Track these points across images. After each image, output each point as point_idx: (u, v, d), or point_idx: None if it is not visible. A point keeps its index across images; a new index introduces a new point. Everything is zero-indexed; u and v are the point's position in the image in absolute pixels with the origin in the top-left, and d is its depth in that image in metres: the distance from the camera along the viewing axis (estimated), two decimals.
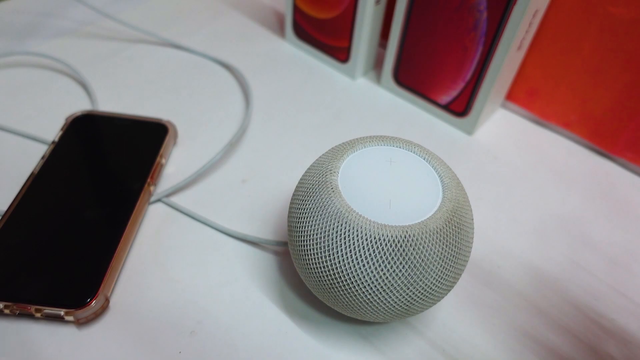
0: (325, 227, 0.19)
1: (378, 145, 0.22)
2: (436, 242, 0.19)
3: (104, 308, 0.23)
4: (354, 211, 0.19)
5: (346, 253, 0.19)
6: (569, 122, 0.35)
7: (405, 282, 0.19)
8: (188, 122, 0.34)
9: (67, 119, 0.31)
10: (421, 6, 0.32)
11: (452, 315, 0.25)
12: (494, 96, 0.34)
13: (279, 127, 0.35)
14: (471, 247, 0.22)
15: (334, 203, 0.19)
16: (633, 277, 0.27)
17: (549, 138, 0.36)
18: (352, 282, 0.19)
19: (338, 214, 0.19)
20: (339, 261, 0.19)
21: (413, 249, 0.18)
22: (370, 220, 0.19)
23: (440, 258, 0.19)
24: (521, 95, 0.36)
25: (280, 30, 0.44)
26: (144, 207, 0.28)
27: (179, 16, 0.45)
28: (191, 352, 0.23)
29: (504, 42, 0.30)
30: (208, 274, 0.26)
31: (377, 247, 0.18)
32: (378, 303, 0.19)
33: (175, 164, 0.31)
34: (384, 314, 0.20)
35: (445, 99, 0.35)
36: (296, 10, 0.39)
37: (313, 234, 0.20)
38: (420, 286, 0.19)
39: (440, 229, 0.19)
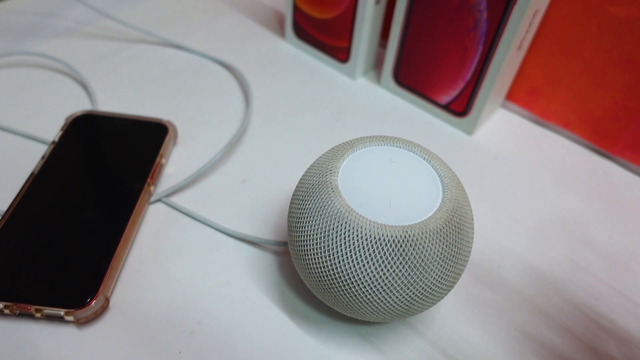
0: (325, 227, 0.19)
1: (378, 145, 0.22)
2: (436, 242, 0.19)
3: (104, 308, 0.23)
4: (354, 211, 0.19)
5: (346, 253, 0.19)
6: (569, 122, 0.35)
7: (405, 282, 0.19)
8: (188, 122, 0.34)
9: (67, 119, 0.31)
10: (421, 6, 0.32)
11: (452, 315, 0.25)
12: (494, 96, 0.34)
13: (279, 127, 0.35)
14: (471, 247, 0.22)
15: (334, 203, 0.19)
16: (633, 277, 0.27)
17: (549, 138, 0.36)
18: (352, 282, 0.19)
19: (338, 214, 0.19)
20: (339, 261, 0.19)
21: (413, 249, 0.18)
22: (370, 220, 0.19)
23: (440, 258, 0.19)
24: (521, 95, 0.36)
25: (280, 30, 0.44)
26: (144, 207, 0.28)
27: (179, 16, 0.45)
28: (191, 352, 0.23)
29: (504, 42, 0.30)
30: (208, 274, 0.26)
31: (377, 247, 0.18)
32: (378, 303, 0.19)
33: (175, 164, 0.31)
34: (384, 314, 0.20)
35: (445, 99, 0.35)
36: (296, 10, 0.39)
37: (313, 234, 0.20)
38: (420, 286, 0.19)
39: (440, 229, 0.19)
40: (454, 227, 0.19)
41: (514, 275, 0.27)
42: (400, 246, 0.18)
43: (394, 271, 0.19)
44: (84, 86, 0.36)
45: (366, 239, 0.19)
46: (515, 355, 0.24)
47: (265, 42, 0.42)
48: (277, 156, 0.32)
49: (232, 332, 0.24)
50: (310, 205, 0.20)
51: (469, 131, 0.35)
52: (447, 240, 0.19)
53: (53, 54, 0.39)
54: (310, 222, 0.20)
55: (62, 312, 0.22)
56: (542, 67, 0.34)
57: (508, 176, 0.33)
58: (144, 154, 0.30)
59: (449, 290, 0.21)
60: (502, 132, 0.36)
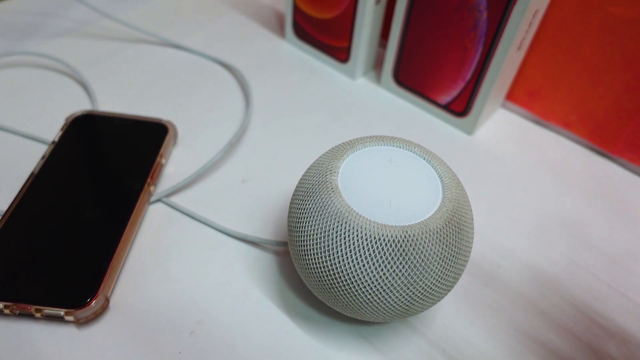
0: (325, 227, 0.19)
1: (378, 145, 0.22)
2: (436, 242, 0.19)
3: (104, 308, 0.23)
4: (354, 211, 0.19)
5: (346, 253, 0.19)
6: (569, 122, 0.35)
7: (405, 282, 0.19)
8: (188, 122, 0.34)
9: (67, 119, 0.31)
10: (421, 6, 0.32)
11: (452, 315, 0.25)
12: (494, 96, 0.34)
13: (279, 127, 0.35)
14: (471, 247, 0.22)
15: (334, 203, 0.19)
16: (633, 277, 0.27)
17: (549, 138, 0.36)
18: (352, 282, 0.19)
19: (338, 214, 0.19)
20: (339, 261, 0.19)
21: (413, 249, 0.18)
22: (370, 220, 0.19)
23: (440, 258, 0.19)
24: (521, 95, 0.36)
25: (280, 30, 0.44)
26: (144, 207, 0.28)
27: (179, 16, 0.45)
28: (191, 352, 0.23)
29: (504, 42, 0.30)
30: (208, 274, 0.26)
31: (377, 247, 0.18)
32: (378, 303, 0.19)
33: (175, 164, 0.31)
34: (384, 314, 0.20)
35: (445, 99, 0.35)
36: (296, 10, 0.39)
37: (313, 234, 0.20)
38: (420, 286, 0.19)
39: (440, 229, 0.19)
40: (454, 227, 0.19)
41: (514, 275, 0.27)
42: (400, 246, 0.18)
43: (394, 271, 0.19)
44: (84, 86, 0.36)
45: (366, 239, 0.19)
46: (515, 355, 0.24)
47: (265, 42, 0.42)
48: (277, 156, 0.32)
49: (232, 332, 0.24)
50: (310, 205, 0.20)
51: (469, 131, 0.35)
52: (447, 240, 0.19)
53: (53, 54, 0.39)
54: (310, 222, 0.20)
55: (62, 312, 0.22)
56: (542, 67, 0.34)
57: (508, 176, 0.33)
58: (144, 154, 0.30)
59: (449, 290, 0.21)
60: (502, 132, 0.36)
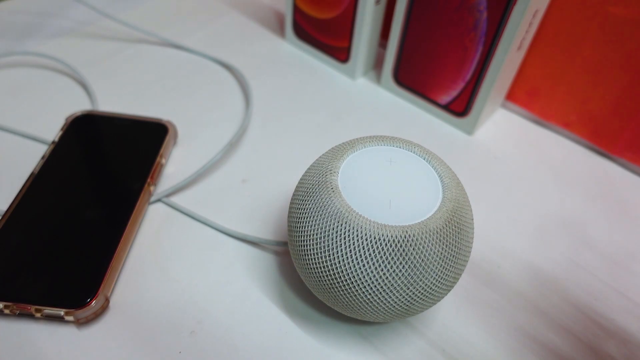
0: (325, 227, 0.19)
1: (378, 145, 0.22)
2: (436, 242, 0.19)
3: (104, 308, 0.23)
4: (354, 211, 0.19)
5: (346, 253, 0.19)
6: (568, 122, 0.35)
7: (405, 282, 0.19)
8: (188, 122, 0.34)
9: (67, 119, 0.31)
10: (421, 6, 0.32)
11: (452, 315, 0.25)
12: (494, 96, 0.34)
13: (279, 127, 0.35)
14: (471, 247, 0.22)
15: (334, 203, 0.19)
16: (633, 277, 0.27)
17: (549, 138, 0.36)
18: (352, 282, 0.19)
19: (338, 214, 0.19)
20: (339, 261, 0.19)
21: (413, 249, 0.18)
22: (370, 220, 0.19)
23: (440, 258, 0.19)
24: (521, 95, 0.36)
25: (280, 30, 0.44)
26: (144, 207, 0.28)
27: (179, 16, 0.45)
28: (191, 352, 0.23)
29: (504, 42, 0.30)
30: (208, 274, 0.26)
31: (377, 247, 0.18)
32: (378, 303, 0.19)
33: (175, 164, 0.31)
34: (384, 314, 0.20)
35: (445, 99, 0.35)
36: (296, 10, 0.39)
37: (313, 234, 0.20)
38: (420, 286, 0.19)
39: (440, 229, 0.19)
40: (454, 227, 0.19)
41: (514, 275, 0.27)
42: (400, 246, 0.18)
43: (394, 271, 0.19)
44: (84, 86, 0.36)
45: (366, 239, 0.19)
46: (515, 355, 0.24)
47: (265, 42, 0.42)
48: (277, 156, 0.32)
49: (232, 332, 0.24)
50: (310, 205, 0.20)
51: (469, 131, 0.35)
52: (447, 240, 0.19)
53: (53, 54, 0.39)
54: (310, 222, 0.20)
55: (62, 312, 0.22)
56: (542, 67, 0.34)
57: (508, 176, 0.33)
58: (144, 154, 0.30)
59: (449, 290, 0.21)
60: (502, 132, 0.36)
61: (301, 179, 0.22)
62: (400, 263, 0.18)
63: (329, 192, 0.20)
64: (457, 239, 0.20)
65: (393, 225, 0.19)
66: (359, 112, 0.36)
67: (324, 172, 0.21)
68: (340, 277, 0.19)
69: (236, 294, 0.25)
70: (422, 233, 0.19)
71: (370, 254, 0.18)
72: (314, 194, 0.20)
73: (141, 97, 0.36)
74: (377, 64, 0.40)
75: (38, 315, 0.23)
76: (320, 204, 0.20)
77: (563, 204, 0.31)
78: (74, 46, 0.40)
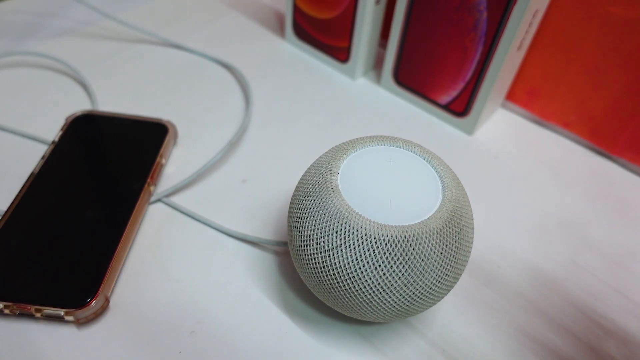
0: (325, 227, 0.19)
1: (378, 145, 0.22)
2: (436, 242, 0.19)
3: (104, 308, 0.23)
4: (354, 211, 0.19)
5: (346, 253, 0.19)
6: (568, 122, 0.35)
7: (405, 282, 0.19)
8: (188, 122, 0.34)
9: (67, 119, 0.31)
10: (421, 6, 0.32)
11: (452, 315, 0.25)
12: (494, 96, 0.34)
13: (279, 127, 0.35)
14: (471, 247, 0.22)
15: (334, 203, 0.19)
16: (633, 277, 0.27)
17: (549, 138, 0.36)
18: (352, 282, 0.19)
19: (338, 214, 0.19)
20: (339, 261, 0.19)
21: (413, 249, 0.18)
22: (370, 220, 0.19)
23: (440, 258, 0.19)
24: (521, 95, 0.36)
25: (280, 30, 0.44)
26: (144, 207, 0.28)
27: (179, 16, 0.45)
28: (191, 352, 0.23)
29: (504, 42, 0.30)
30: (208, 274, 0.26)
31: (377, 247, 0.18)
32: (378, 303, 0.19)
33: (175, 164, 0.31)
34: (384, 314, 0.20)
35: (445, 99, 0.35)
36: (296, 10, 0.39)
37: (313, 234, 0.20)
38: (420, 286, 0.19)
39: (440, 229, 0.19)
40: (454, 227, 0.19)
41: (513, 275, 0.27)
42: (400, 246, 0.18)
43: (394, 271, 0.19)
44: (84, 86, 0.36)
45: (366, 239, 0.19)
46: (515, 355, 0.24)
47: (265, 42, 0.42)
48: (277, 156, 0.32)
49: (232, 332, 0.24)
50: (310, 205, 0.20)
51: (469, 131, 0.35)
52: (447, 240, 0.19)
53: (53, 54, 0.39)
54: (310, 222, 0.20)
55: (62, 312, 0.22)
56: (542, 67, 0.34)
57: (508, 176, 0.33)
58: (144, 154, 0.30)
59: (449, 290, 0.21)
60: (502, 132, 0.36)
61: (301, 179, 0.22)
62: (400, 263, 0.18)
63: (329, 192, 0.20)
64: (457, 239, 0.20)
65: (393, 225, 0.19)
66: (359, 112, 0.36)
67: (324, 172, 0.21)
68: (340, 277, 0.19)
69: (236, 294, 0.25)
70: (422, 233, 0.19)
71: (370, 254, 0.18)
72: (314, 194, 0.20)
73: (141, 97, 0.36)
74: (377, 64, 0.40)
75: (38, 315, 0.23)
76: (320, 204, 0.20)
77: (563, 203, 0.31)
78: (74, 46, 0.40)
